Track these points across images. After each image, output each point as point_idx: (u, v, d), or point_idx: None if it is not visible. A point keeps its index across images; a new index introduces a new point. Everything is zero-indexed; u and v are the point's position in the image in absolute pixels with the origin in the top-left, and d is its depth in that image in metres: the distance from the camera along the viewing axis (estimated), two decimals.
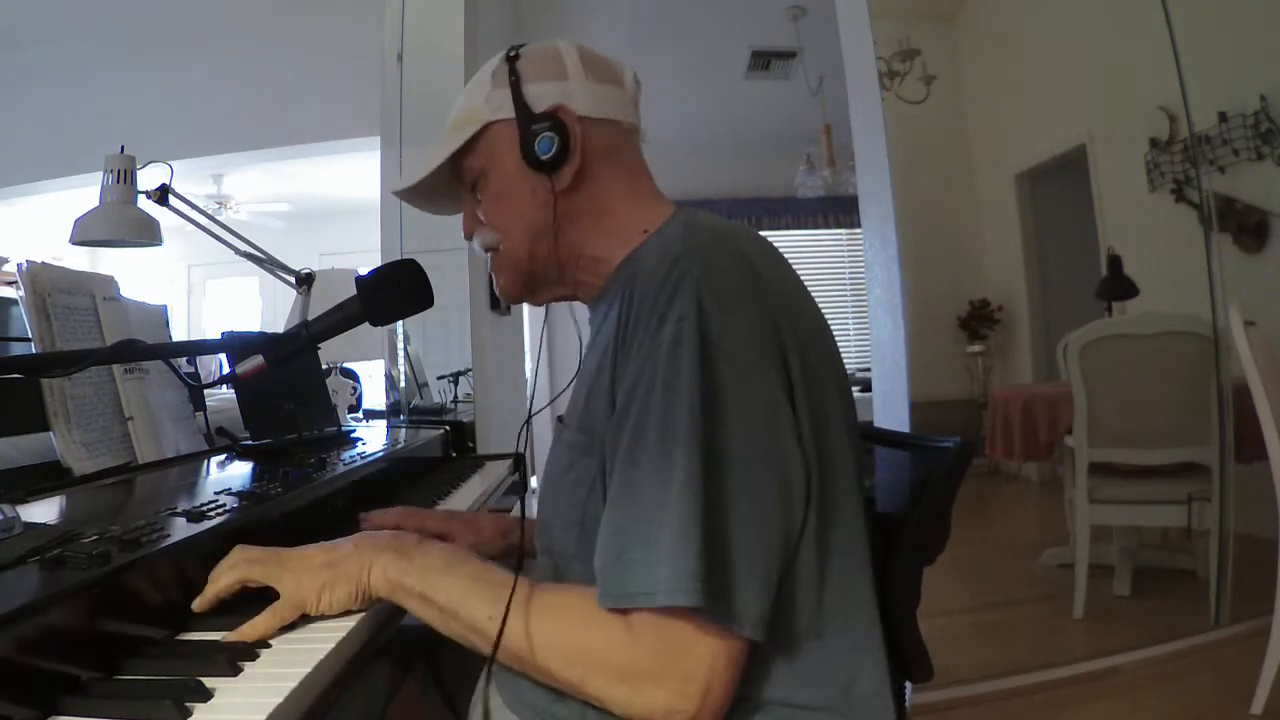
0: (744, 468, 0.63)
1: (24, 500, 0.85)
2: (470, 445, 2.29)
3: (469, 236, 0.88)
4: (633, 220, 0.82)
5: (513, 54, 0.83)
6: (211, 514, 0.81)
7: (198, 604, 0.70)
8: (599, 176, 0.82)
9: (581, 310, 0.90)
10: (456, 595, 0.69)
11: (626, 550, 0.62)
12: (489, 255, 0.86)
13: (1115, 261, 3.31)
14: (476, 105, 0.82)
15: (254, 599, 0.70)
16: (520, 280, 0.85)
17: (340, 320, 0.86)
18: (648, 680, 0.61)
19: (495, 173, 0.82)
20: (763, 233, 0.82)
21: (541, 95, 0.80)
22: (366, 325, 0.87)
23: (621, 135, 0.84)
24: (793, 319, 0.70)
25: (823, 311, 0.78)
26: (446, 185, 0.87)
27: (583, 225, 0.82)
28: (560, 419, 0.85)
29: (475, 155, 0.83)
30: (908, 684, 0.86)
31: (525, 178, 0.80)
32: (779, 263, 0.76)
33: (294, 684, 0.58)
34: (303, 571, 0.71)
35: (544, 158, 0.78)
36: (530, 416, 0.94)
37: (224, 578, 0.71)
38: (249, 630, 0.66)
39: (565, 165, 0.79)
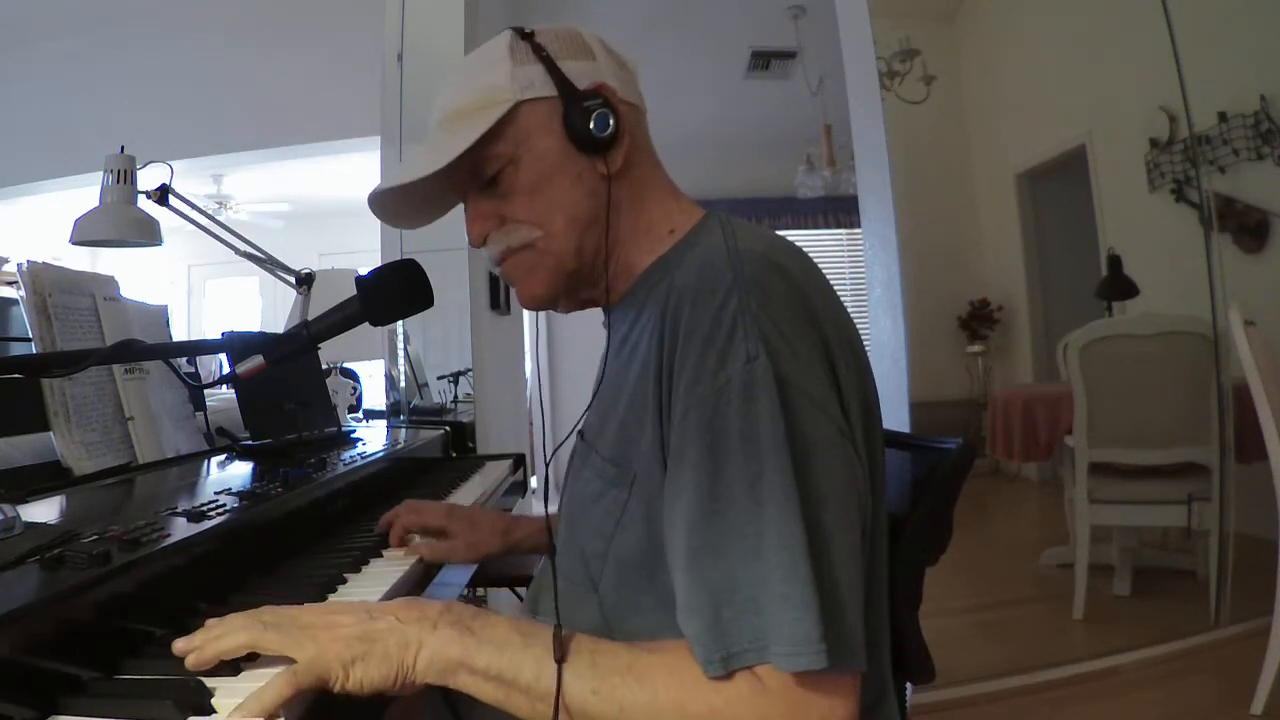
0: (835, 505, 0.60)
1: (24, 500, 0.85)
2: (470, 445, 2.29)
3: (482, 240, 0.76)
4: (659, 217, 0.77)
5: (528, 32, 0.75)
6: (211, 514, 0.81)
7: (192, 661, 0.58)
8: (639, 164, 0.77)
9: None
10: (547, 670, 0.60)
11: (725, 610, 0.58)
12: (509, 259, 0.76)
13: (1115, 261, 3.31)
14: (497, 85, 0.73)
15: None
16: (561, 281, 0.76)
17: (340, 320, 0.86)
18: None
19: (529, 158, 0.73)
20: None
21: (578, 73, 0.73)
22: (366, 325, 0.87)
23: (644, 122, 0.80)
24: (837, 340, 0.66)
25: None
26: (437, 187, 0.76)
27: (622, 218, 0.75)
28: (582, 435, 0.81)
29: (503, 140, 0.72)
30: (908, 684, 0.86)
31: (570, 161, 0.73)
32: (819, 278, 0.71)
33: None
34: (329, 641, 0.59)
35: (601, 136, 0.71)
36: (553, 446, 0.84)
37: (229, 639, 0.59)
38: (255, 704, 0.54)
39: (616, 147, 0.73)
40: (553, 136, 0.73)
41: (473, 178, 0.75)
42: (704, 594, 0.59)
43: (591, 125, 0.71)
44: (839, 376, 0.65)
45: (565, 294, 0.78)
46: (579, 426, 0.82)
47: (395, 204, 0.78)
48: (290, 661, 0.59)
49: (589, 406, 0.80)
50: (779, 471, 0.58)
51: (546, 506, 0.81)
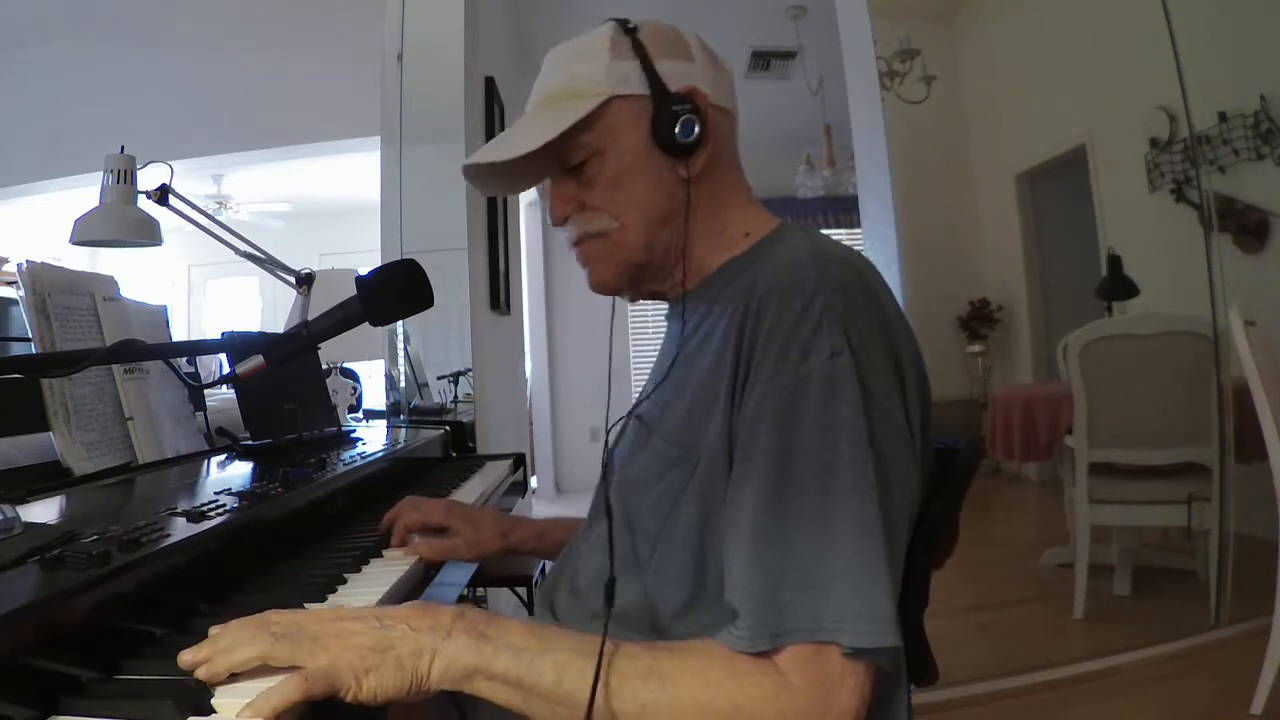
0: (899, 502, 0.63)
1: (24, 500, 0.85)
2: (470, 445, 2.29)
3: (563, 220, 0.80)
4: (736, 221, 0.79)
5: (631, 26, 0.77)
6: (211, 514, 0.81)
7: (204, 673, 0.56)
8: (720, 168, 0.78)
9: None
10: (568, 675, 0.60)
11: (781, 591, 0.59)
12: (584, 243, 0.79)
13: (1115, 261, 3.31)
14: (594, 77, 0.75)
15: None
16: (628, 272, 0.79)
17: (340, 320, 0.86)
18: None
19: (614, 152, 0.75)
20: None
21: (673, 74, 0.75)
22: (366, 325, 0.87)
23: (733, 127, 0.81)
24: (905, 350, 0.69)
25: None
26: (526, 163, 0.77)
27: (697, 219, 0.77)
28: (639, 418, 0.82)
29: (592, 131, 0.75)
30: (910, 684, 0.86)
31: (653, 161, 0.75)
32: (889, 290, 0.73)
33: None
34: (341, 650, 0.58)
35: (685, 141, 0.74)
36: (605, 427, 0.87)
37: (239, 651, 0.57)
38: (264, 705, 0.53)
39: (699, 152, 0.75)
40: (639, 134, 0.75)
41: (559, 161, 0.78)
42: (761, 574, 0.60)
43: (677, 130, 0.74)
44: (905, 384, 0.68)
45: (631, 285, 0.81)
46: (638, 411, 0.84)
47: (485, 173, 0.82)
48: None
49: (645, 394, 0.83)
50: (857, 464, 0.61)
51: (604, 482, 0.82)
